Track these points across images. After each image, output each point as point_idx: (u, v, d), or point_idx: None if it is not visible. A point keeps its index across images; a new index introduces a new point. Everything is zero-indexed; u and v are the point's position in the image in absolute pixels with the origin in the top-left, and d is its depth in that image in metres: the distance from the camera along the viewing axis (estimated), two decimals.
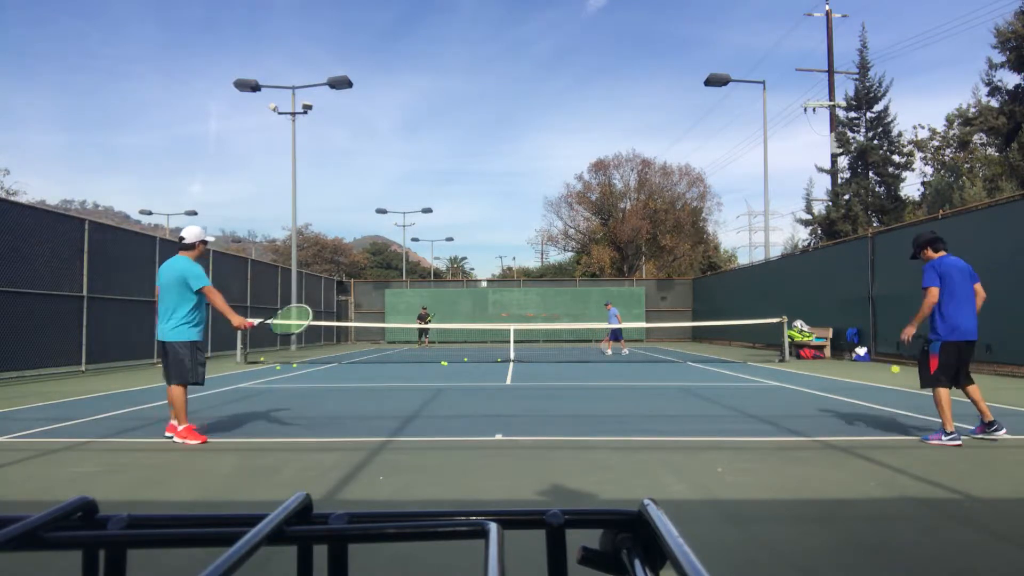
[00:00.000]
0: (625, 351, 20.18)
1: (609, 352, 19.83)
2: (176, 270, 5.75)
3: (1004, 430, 5.61)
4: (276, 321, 6.37)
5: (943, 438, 5.42)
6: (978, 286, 5.70)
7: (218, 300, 5.84)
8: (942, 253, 5.77)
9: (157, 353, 6.03)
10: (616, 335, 19.76)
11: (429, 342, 28.06)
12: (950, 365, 5.62)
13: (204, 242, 6.04)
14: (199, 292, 5.77)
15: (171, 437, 5.69)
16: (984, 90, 25.25)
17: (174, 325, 5.73)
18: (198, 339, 5.86)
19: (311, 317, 6.62)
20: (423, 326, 26.18)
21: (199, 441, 5.66)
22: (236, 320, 5.98)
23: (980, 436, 5.66)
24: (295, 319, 6.44)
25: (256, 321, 6.23)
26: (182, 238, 5.94)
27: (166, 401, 5.85)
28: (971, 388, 5.62)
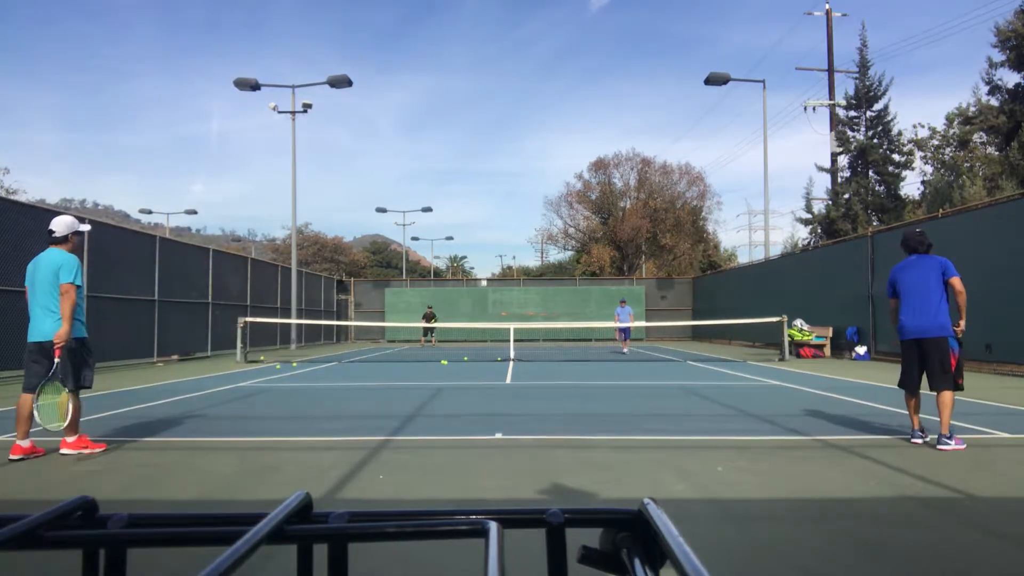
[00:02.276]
0: (625, 350, 20.16)
1: (624, 350, 19.92)
2: (52, 263, 5.22)
3: (923, 439, 5.47)
4: (44, 398, 5.21)
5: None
6: (954, 280, 5.38)
7: (70, 303, 5.16)
8: (911, 255, 5.70)
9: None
10: (624, 333, 19.84)
11: (436, 341, 27.91)
12: (905, 365, 5.68)
13: (78, 233, 5.44)
14: (63, 285, 5.17)
15: (67, 453, 5.11)
16: (984, 89, 25.27)
17: (56, 322, 5.18)
18: (86, 335, 5.38)
19: (52, 413, 5.29)
20: (428, 325, 26.06)
21: (101, 447, 5.25)
22: (64, 331, 5.13)
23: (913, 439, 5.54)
24: (49, 400, 5.23)
25: (57, 357, 5.15)
26: (52, 231, 5.35)
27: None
28: (943, 394, 5.35)
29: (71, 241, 5.39)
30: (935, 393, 5.42)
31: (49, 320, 5.21)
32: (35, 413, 5.09)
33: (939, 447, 5.19)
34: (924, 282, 5.49)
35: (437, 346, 26.38)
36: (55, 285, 5.19)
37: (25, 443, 5.03)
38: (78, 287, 5.26)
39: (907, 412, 5.73)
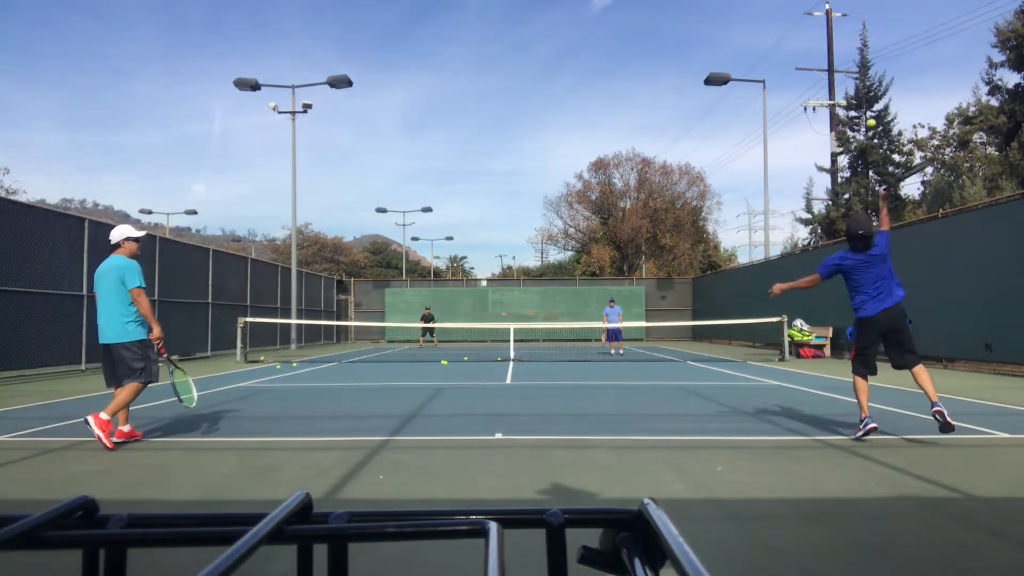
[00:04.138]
0: (612, 351, 19.48)
1: (620, 351, 19.37)
2: (114, 269, 5.66)
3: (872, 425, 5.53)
4: (177, 378, 6.17)
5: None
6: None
7: (145, 305, 5.67)
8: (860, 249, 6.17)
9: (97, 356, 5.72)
10: (612, 334, 19.06)
11: (437, 341, 27.66)
12: (867, 345, 5.99)
13: (132, 239, 5.88)
14: (131, 291, 5.64)
15: (90, 425, 5.31)
16: (984, 89, 25.27)
17: (120, 325, 5.61)
18: (146, 337, 5.75)
19: (189, 398, 6.26)
20: (427, 326, 25.95)
21: (108, 447, 5.29)
22: (157, 331, 5.73)
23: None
24: (184, 391, 6.10)
25: (164, 353, 5.92)
26: (110, 240, 5.90)
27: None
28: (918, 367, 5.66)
29: (125, 247, 5.86)
30: (911, 369, 5.63)
31: (114, 325, 5.64)
32: (176, 390, 6.15)
33: (948, 419, 5.27)
34: (882, 274, 6.08)
35: (438, 346, 26.32)
36: (119, 290, 5.63)
37: (126, 428, 5.63)
38: (143, 288, 5.74)
39: (880, 405, 5.89)
